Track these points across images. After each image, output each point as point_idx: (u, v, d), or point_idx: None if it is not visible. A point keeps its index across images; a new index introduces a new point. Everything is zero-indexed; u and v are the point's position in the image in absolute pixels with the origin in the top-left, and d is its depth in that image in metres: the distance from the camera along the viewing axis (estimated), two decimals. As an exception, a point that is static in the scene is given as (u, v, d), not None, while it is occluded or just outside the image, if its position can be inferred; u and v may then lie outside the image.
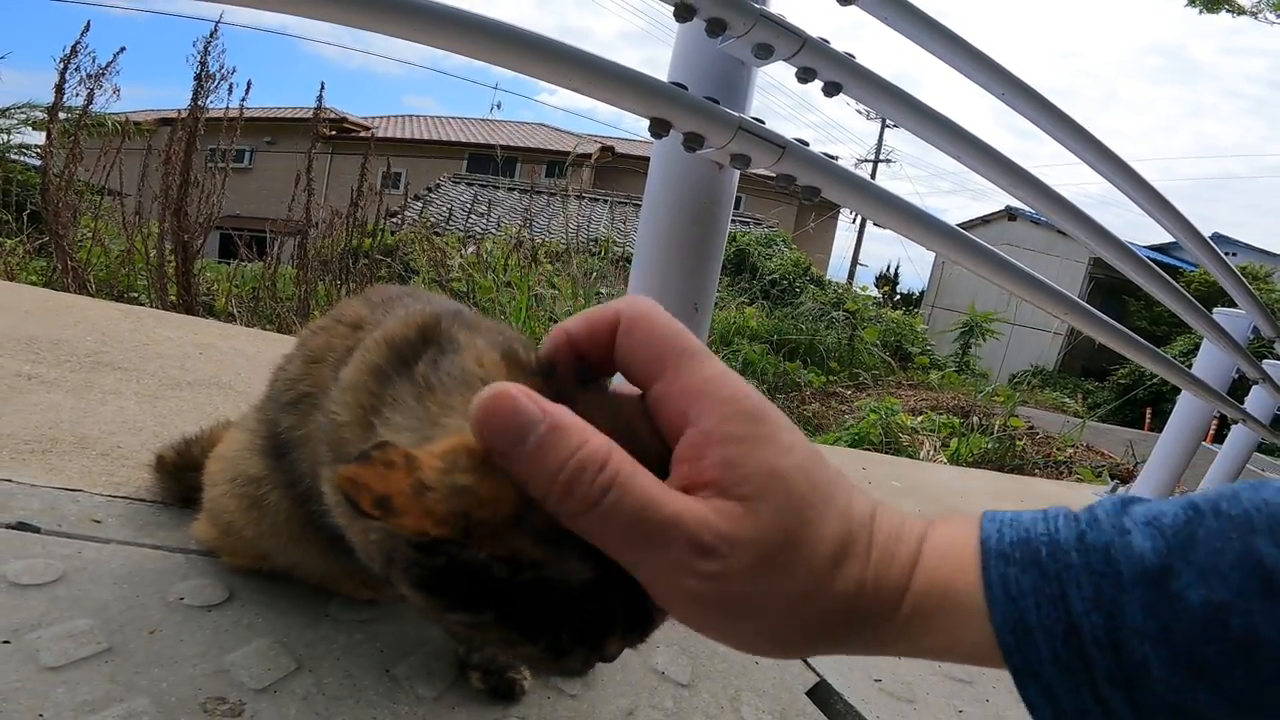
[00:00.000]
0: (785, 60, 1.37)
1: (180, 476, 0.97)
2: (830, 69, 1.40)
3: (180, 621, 0.74)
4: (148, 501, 0.98)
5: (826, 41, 1.39)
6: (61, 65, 4.43)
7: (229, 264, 5.54)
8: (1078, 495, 2.97)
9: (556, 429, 0.33)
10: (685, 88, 1.32)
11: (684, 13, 1.24)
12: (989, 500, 2.49)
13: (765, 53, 1.33)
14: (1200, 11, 10.42)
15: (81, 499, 0.94)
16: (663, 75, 1.27)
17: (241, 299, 4.72)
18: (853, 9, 1.48)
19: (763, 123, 1.37)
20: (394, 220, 7.35)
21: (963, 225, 1.57)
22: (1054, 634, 0.36)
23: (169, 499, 0.99)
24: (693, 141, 1.26)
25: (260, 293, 4.73)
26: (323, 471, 0.62)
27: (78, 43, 4.45)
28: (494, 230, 9.75)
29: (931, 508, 2.13)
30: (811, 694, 0.97)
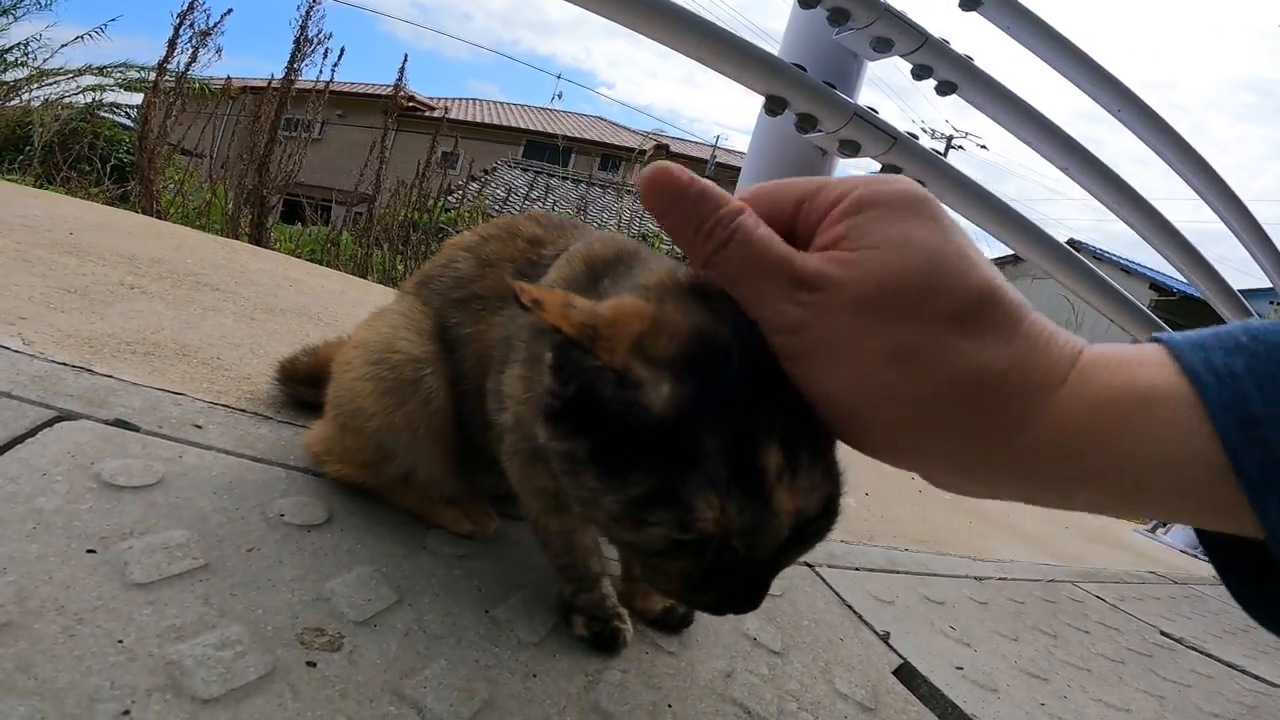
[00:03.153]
0: (902, 56, 1.26)
1: (308, 383, 0.90)
2: (947, 69, 1.29)
3: (279, 541, 0.63)
4: (248, 412, 0.87)
5: (947, 42, 1.27)
6: (178, 20, 4.35)
7: (294, 227, 5.49)
8: (1122, 531, 2.78)
9: (703, 192, 0.36)
10: (805, 70, 1.22)
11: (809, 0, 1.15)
12: (1036, 522, 2.31)
13: (884, 46, 1.23)
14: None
15: (183, 403, 0.84)
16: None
17: (303, 257, 4.64)
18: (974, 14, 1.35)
19: (876, 112, 1.26)
20: (451, 199, 7.25)
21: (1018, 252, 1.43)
22: None
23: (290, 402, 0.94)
24: (806, 123, 1.16)
25: (322, 254, 4.66)
26: (492, 373, 0.59)
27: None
28: (549, 217, 9.62)
29: (981, 523, 1.98)
30: (897, 674, 0.85)
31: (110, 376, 0.86)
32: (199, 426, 0.79)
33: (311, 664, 0.50)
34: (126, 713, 0.41)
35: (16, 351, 0.84)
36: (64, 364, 0.86)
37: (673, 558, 0.40)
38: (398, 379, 0.66)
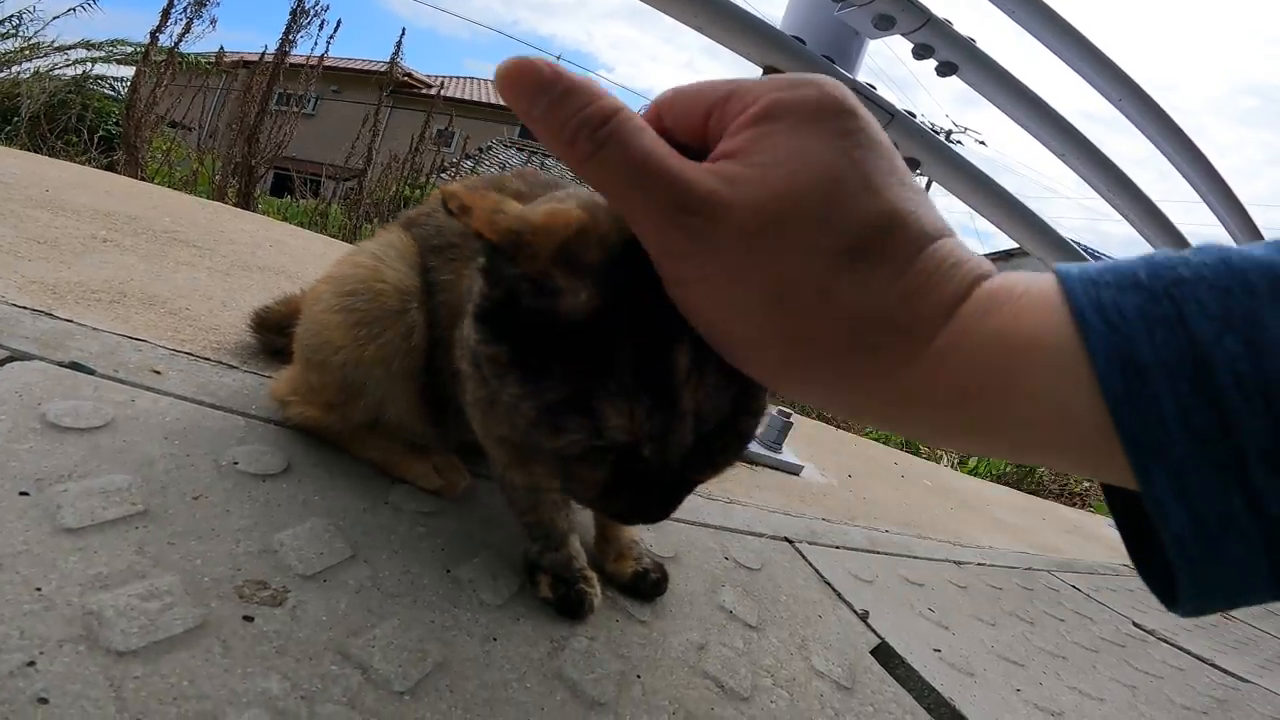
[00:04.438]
0: (904, 35, 1.22)
1: (281, 330, 0.85)
2: (948, 49, 1.25)
3: (230, 489, 0.58)
4: (212, 361, 0.82)
5: (949, 22, 1.23)
6: (173, -10, 4.21)
7: (283, 199, 5.38)
8: (1096, 524, 2.77)
9: (571, 89, 0.30)
10: (804, 42, 1.18)
11: (812, -24, 1.10)
12: (1014, 512, 2.30)
13: (886, 24, 1.18)
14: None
15: (144, 349, 0.79)
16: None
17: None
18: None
19: (848, 93, 1.22)
20: (445, 176, 7.15)
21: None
22: (1178, 374, 0.23)
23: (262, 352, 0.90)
24: None
25: (310, 226, 4.57)
26: (460, 323, 0.54)
27: (188, -30, 4.23)
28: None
29: (962, 509, 1.96)
30: (874, 653, 0.82)
31: (70, 321, 0.81)
32: (158, 372, 0.74)
33: (249, 618, 0.45)
34: (32, 664, 0.37)
35: (-29, 292, 0.78)
36: (24, 308, 0.80)
37: (589, 464, 0.40)
38: (380, 309, 0.61)
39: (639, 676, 0.58)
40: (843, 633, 0.83)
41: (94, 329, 0.80)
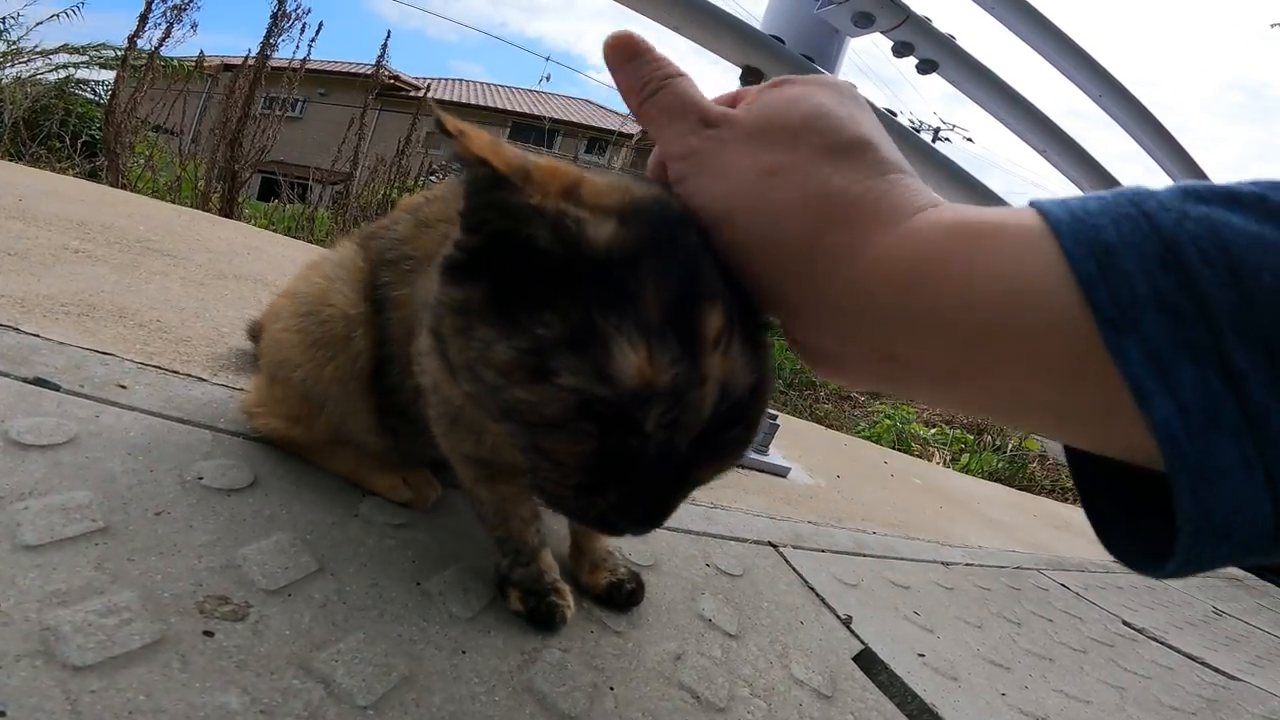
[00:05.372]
0: (883, 32, 1.23)
1: None
2: (928, 47, 1.26)
3: (194, 504, 0.58)
4: (181, 374, 0.82)
5: (929, 20, 1.24)
6: (148, -4, 4.20)
7: (269, 204, 5.37)
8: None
9: (653, 57, 0.39)
10: (783, 42, 1.19)
11: (789, -24, 1.12)
12: (1005, 510, 2.32)
13: (865, 21, 1.20)
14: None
15: (111, 363, 0.79)
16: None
17: (277, 233, 4.52)
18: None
19: (854, 87, 1.23)
20: (433, 179, 7.15)
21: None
22: (1145, 254, 0.24)
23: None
24: None
25: (296, 231, 4.55)
26: (416, 338, 0.54)
27: (165, -25, 4.21)
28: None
29: (951, 508, 1.97)
30: (857, 660, 0.83)
31: (36, 335, 0.81)
32: (123, 387, 0.74)
33: (209, 633, 0.45)
34: (-15, 681, 0.37)
35: (-69, 306, 0.78)
36: (-13, 322, 0.80)
37: (572, 434, 0.34)
38: (329, 334, 0.62)
39: (612, 688, 0.58)
40: (825, 639, 0.83)
41: (60, 343, 0.80)
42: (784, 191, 0.33)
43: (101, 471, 0.58)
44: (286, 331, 0.63)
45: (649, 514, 0.36)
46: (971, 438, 4.51)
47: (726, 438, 0.36)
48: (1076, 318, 0.24)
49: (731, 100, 0.40)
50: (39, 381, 0.70)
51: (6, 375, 0.70)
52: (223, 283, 1.31)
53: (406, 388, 0.58)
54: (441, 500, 0.73)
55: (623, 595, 0.69)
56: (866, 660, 0.83)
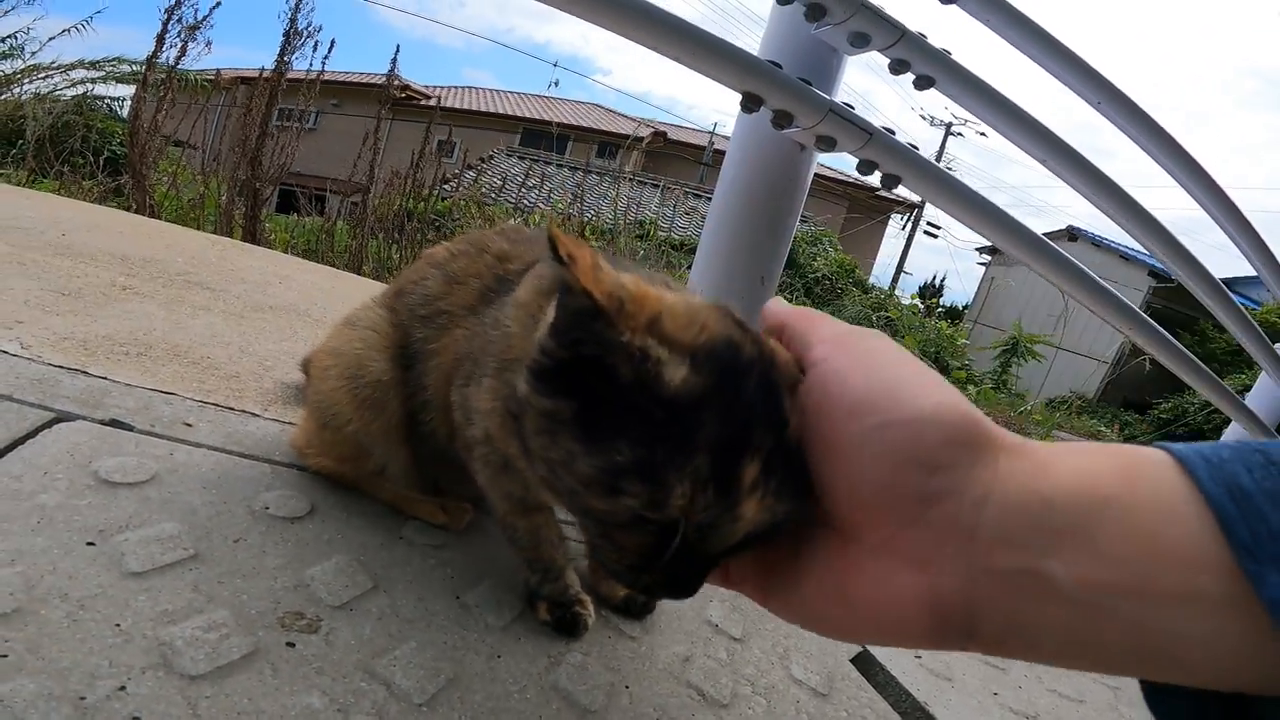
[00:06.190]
0: (880, 51, 1.28)
1: None
2: (924, 63, 1.32)
3: (264, 532, 0.68)
4: (236, 410, 0.93)
5: (924, 36, 1.30)
6: (165, 15, 4.37)
7: (289, 217, 5.52)
8: None
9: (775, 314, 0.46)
10: (780, 66, 1.25)
11: (787, -3, 1.17)
12: None
13: (861, 41, 1.25)
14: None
15: (174, 401, 0.89)
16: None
17: (298, 249, 4.67)
18: (953, 9, 1.38)
19: (852, 108, 1.29)
20: (447, 187, 7.29)
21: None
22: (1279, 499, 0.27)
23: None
24: (782, 119, 1.19)
25: (317, 245, 4.70)
26: (455, 386, 0.63)
27: (182, -7, 4.38)
28: (544, 205, 9.48)
29: None
30: (855, 661, 0.91)
31: (105, 378, 0.91)
32: (189, 425, 0.85)
33: (291, 644, 0.55)
34: (123, 688, 0.47)
35: (15, 355, 0.89)
36: (61, 367, 0.91)
37: (630, 532, 0.42)
38: (372, 397, 0.73)
39: (627, 687, 0.68)
40: (825, 642, 0.92)
41: (127, 385, 0.91)
42: (885, 436, 0.35)
43: (183, 505, 0.68)
44: (337, 391, 0.74)
45: (684, 590, 0.44)
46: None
47: (756, 536, 0.43)
48: (1206, 546, 0.27)
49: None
50: (115, 423, 0.81)
51: (85, 418, 0.80)
52: (260, 315, 1.43)
53: (440, 434, 0.68)
54: (473, 523, 0.83)
55: (637, 605, 0.78)
56: (864, 662, 0.92)
